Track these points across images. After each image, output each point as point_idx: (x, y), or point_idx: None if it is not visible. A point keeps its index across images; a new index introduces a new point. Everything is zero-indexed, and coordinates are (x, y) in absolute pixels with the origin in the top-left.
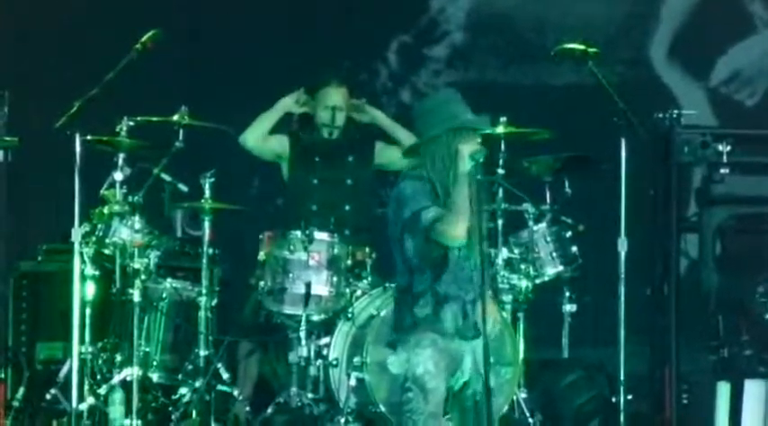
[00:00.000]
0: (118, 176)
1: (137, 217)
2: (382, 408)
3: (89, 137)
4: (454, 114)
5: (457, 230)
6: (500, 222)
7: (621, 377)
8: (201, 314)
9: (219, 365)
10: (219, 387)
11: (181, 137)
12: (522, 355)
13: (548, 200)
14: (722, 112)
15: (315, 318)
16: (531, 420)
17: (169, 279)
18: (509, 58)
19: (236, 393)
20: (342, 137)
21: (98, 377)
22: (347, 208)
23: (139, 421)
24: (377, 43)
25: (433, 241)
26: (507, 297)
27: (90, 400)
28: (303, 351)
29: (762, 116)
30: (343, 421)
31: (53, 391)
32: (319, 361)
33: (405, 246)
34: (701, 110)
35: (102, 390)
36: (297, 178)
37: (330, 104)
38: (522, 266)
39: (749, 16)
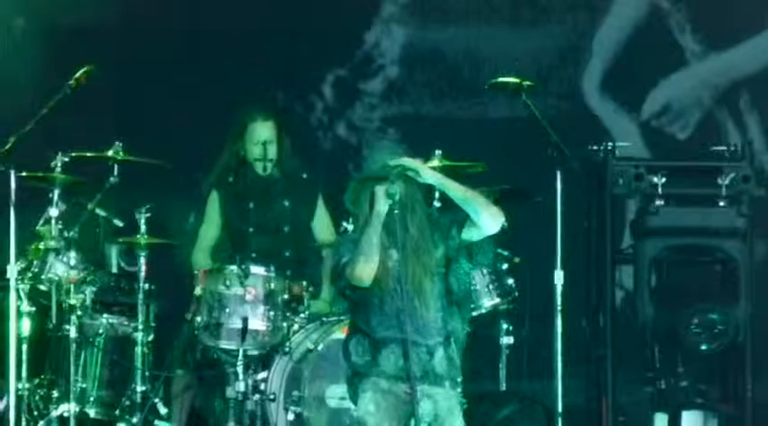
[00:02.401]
0: (53, 212)
1: (72, 253)
2: None
3: (24, 174)
4: (370, 166)
5: (357, 271)
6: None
7: (559, 409)
8: (138, 349)
9: (156, 400)
10: (156, 423)
11: (116, 172)
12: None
13: None
14: (654, 145)
15: (252, 353)
16: None
17: (105, 315)
18: (444, 92)
19: None
20: (279, 175)
21: (35, 413)
22: (287, 254)
23: None
24: (312, 76)
25: (351, 285)
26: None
27: None
28: (240, 386)
29: (694, 148)
30: None
31: None
32: (257, 396)
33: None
34: (633, 142)
35: None
36: (231, 228)
37: (260, 139)
38: None
39: (680, 49)
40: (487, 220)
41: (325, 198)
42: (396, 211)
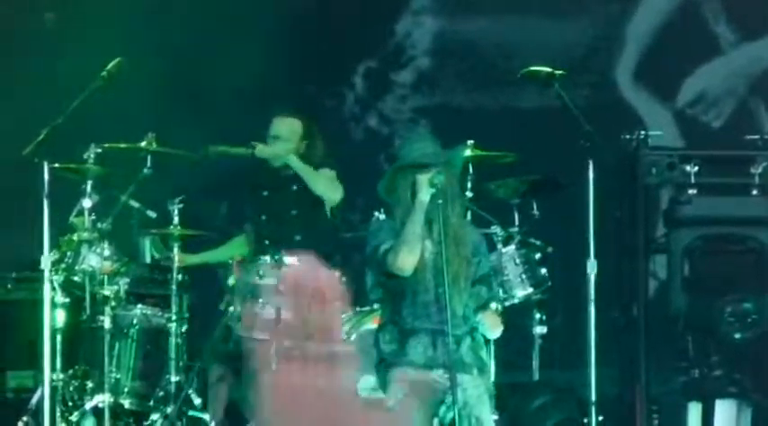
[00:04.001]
0: (86, 203)
1: (105, 244)
2: None
3: (57, 165)
4: (406, 154)
5: (400, 260)
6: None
7: (592, 399)
8: (171, 340)
9: (190, 391)
10: (191, 413)
11: (149, 164)
12: (492, 378)
13: (516, 223)
14: (688, 134)
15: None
16: None
17: (139, 306)
18: (475, 83)
19: (207, 418)
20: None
21: (69, 404)
22: (297, 238)
23: None
24: (343, 68)
25: (387, 273)
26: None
27: None
28: None
29: (728, 137)
30: None
31: (25, 419)
32: None
33: (366, 280)
34: (667, 131)
35: (74, 417)
36: (251, 217)
37: (271, 134)
38: None
39: (714, 38)
40: None
41: (335, 170)
42: (439, 201)
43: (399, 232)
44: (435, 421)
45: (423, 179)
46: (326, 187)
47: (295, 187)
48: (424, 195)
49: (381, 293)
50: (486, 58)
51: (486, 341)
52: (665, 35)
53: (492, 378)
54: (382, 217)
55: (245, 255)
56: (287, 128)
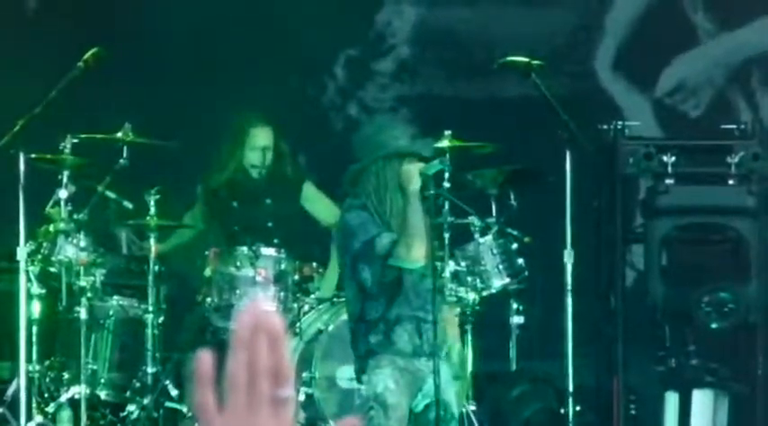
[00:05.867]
0: (62, 194)
1: (82, 235)
2: (331, 423)
3: (33, 156)
4: (382, 143)
5: (416, 252)
6: (446, 236)
7: (569, 389)
8: (148, 331)
9: (167, 382)
10: (168, 404)
11: (125, 155)
12: (470, 368)
13: (493, 213)
14: (667, 123)
15: None
16: None
17: (115, 297)
18: (455, 72)
19: (184, 410)
20: (266, 177)
21: (46, 395)
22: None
23: None
24: (323, 57)
25: (390, 266)
26: (454, 310)
27: (38, 419)
28: None
29: (706, 127)
30: None
31: (1, 410)
32: None
33: (361, 276)
34: (646, 121)
35: (51, 408)
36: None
37: (260, 145)
38: (469, 279)
39: (693, 27)
40: None
41: (317, 183)
42: (431, 191)
43: (389, 223)
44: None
45: (413, 169)
46: (331, 214)
47: (269, 200)
48: (416, 184)
49: (376, 287)
50: (467, 48)
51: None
52: (643, 25)
53: (469, 368)
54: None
55: (201, 229)
56: (271, 137)
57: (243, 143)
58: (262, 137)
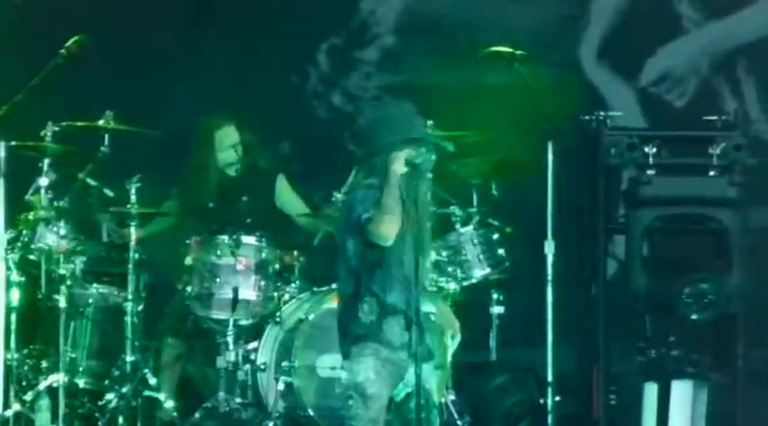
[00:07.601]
0: (43, 181)
1: (62, 223)
2: (311, 412)
3: (14, 143)
4: (410, 127)
5: (383, 228)
6: (428, 225)
7: (550, 379)
8: (128, 319)
9: (146, 370)
10: (146, 393)
11: (106, 142)
12: (450, 357)
13: (475, 203)
14: (651, 113)
15: (243, 323)
16: (459, 422)
17: (95, 285)
18: (440, 61)
19: (162, 398)
20: (240, 175)
21: (24, 383)
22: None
23: None
24: (306, 45)
25: (369, 242)
26: (447, 302)
27: (16, 406)
28: (231, 356)
29: (691, 116)
30: (271, 425)
31: None
32: (247, 366)
33: (347, 249)
34: (630, 111)
35: (29, 396)
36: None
37: (228, 144)
38: (450, 269)
39: (677, 17)
40: None
41: (288, 176)
42: (414, 181)
43: (378, 201)
44: None
45: (400, 154)
46: (302, 209)
47: (245, 198)
48: (400, 167)
49: (358, 262)
50: (451, 36)
51: None
52: (628, 14)
53: (449, 358)
54: (341, 196)
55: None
56: (236, 133)
57: (212, 147)
58: (228, 135)
